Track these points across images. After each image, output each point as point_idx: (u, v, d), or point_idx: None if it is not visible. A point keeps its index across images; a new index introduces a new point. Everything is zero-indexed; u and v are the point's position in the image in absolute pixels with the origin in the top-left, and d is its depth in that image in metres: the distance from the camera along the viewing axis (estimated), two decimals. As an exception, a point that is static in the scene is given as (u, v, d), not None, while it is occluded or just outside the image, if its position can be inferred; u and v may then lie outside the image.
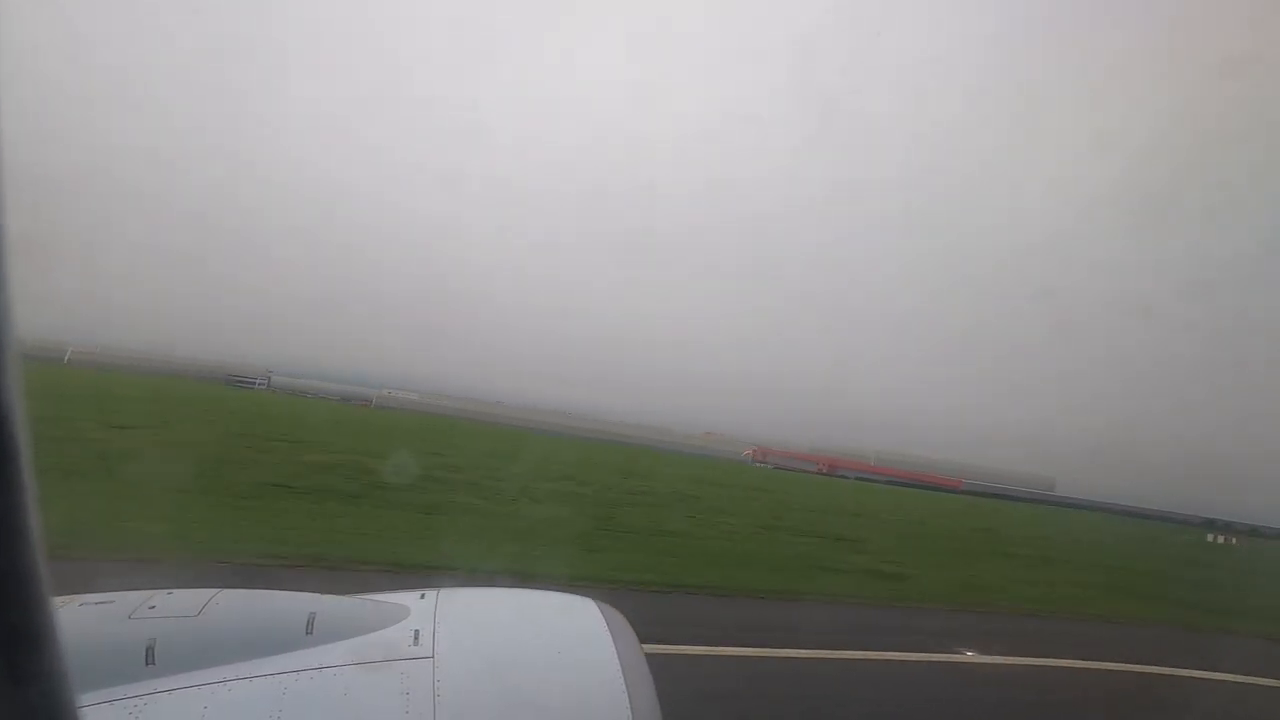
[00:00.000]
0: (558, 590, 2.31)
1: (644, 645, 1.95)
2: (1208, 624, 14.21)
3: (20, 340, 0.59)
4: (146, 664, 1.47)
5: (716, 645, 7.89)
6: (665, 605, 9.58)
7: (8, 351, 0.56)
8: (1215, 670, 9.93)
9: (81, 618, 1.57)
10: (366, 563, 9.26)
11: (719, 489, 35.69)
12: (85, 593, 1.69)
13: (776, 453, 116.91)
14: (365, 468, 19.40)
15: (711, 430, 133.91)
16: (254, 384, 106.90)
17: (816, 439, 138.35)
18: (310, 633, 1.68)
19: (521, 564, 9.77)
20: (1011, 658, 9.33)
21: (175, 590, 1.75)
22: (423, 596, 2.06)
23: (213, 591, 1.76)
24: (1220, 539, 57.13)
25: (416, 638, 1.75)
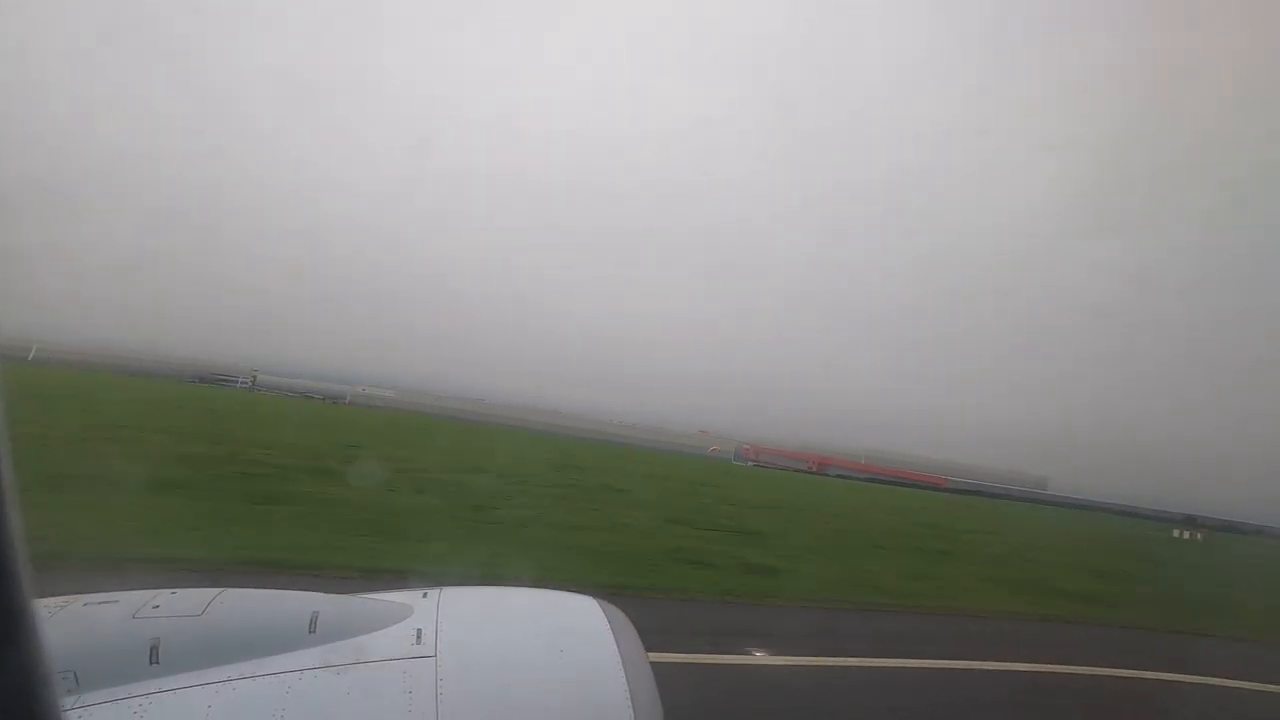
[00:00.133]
0: (560, 589, 2.27)
1: None
2: (1086, 616, 13.42)
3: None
4: (151, 663, 1.47)
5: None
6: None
7: None
8: (1032, 662, 9.14)
9: (85, 617, 1.57)
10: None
11: (665, 483, 34.91)
12: (89, 592, 1.68)
13: (768, 450, 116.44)
14: (236, 458, 18.54)
15: (705, 429, 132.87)
16: (235, 383, 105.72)
17: (812, 438, 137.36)
18: (313, 632, 1.67)
19: (292, 553, 8.98)
20: (802, 658, 8.49)
21: (179, 589, 1.75)
22: (425, 595, 2.03)
23: (216, 591, 1.76)
24: (1186, 535, 56.21)
25: (419, 637, 1.74)
